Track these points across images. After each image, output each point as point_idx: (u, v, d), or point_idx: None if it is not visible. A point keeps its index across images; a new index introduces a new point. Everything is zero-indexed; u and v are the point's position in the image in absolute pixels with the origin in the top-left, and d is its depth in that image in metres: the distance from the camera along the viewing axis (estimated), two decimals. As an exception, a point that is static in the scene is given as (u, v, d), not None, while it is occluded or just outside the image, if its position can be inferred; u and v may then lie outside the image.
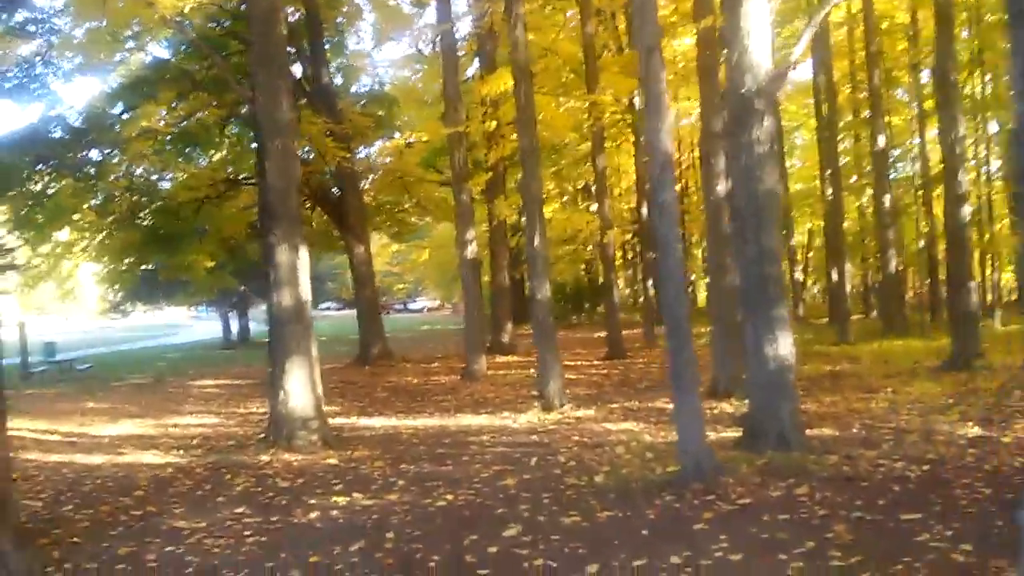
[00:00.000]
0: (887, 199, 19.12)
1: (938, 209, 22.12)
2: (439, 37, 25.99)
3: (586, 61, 17.78)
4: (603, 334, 28.58)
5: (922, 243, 22.72)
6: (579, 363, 17.92)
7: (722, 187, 11.93)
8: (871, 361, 14.62)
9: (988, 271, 25.20)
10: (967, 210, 13.37)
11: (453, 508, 6.62)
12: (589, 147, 24.87)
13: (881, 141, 18.89)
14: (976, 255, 22.54)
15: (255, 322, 40.98)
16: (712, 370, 12.02)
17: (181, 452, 9.97)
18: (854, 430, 8.56)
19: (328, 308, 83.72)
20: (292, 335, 9.63)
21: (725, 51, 8.82)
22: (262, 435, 10.29)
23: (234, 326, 37.94)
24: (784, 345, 7.74)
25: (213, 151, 24.15)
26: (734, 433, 8.76)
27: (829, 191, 20.72)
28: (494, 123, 16.44)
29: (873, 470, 6.85)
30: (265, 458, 9.12)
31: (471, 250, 16.17)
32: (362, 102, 24.12)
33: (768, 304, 7.79)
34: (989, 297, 24.00)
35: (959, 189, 12.85)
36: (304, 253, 9.94)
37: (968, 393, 10.62)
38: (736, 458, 7.42)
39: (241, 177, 22.26)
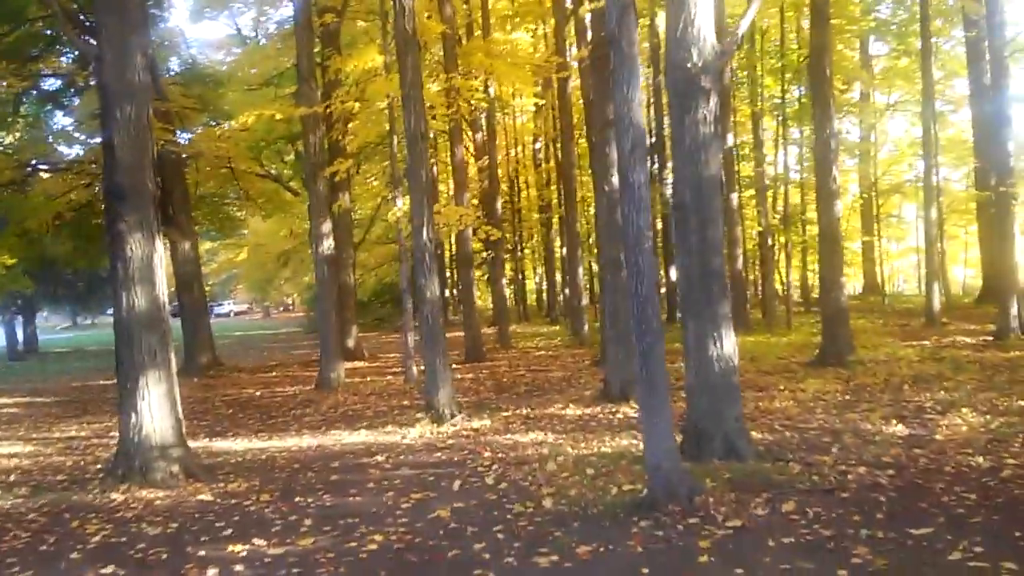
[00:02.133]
0: (733, 197, 19.51)
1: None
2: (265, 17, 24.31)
3: (444, 45, 16.73)
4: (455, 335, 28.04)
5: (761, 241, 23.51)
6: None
7: (616, 178, 11.34)
8: (744, 357, 14.58)
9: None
10: (839, 207, 13.64)
11: (391, 552, 5.45)
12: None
13: (728, 139, 19.26)
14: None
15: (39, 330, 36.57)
16: (605, 372, 11.41)
17: (-2, 493, 8.01)
18: (787, 434, 8.14)
19: (105, 313, 77.07)
20: (147, 345, 7.94)
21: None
22: (104, 467, 8.51)
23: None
24: (728, 344, 7.18)
25: (4, 132, 20.89)
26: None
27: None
28: (356, 104, 15.03)
29: (841, 478, 6.37)
30: (117, 496, 7.42)
31: (327, 245, 14.67)
32: (178, 81, 21.69)
33: (711, 300, 7.19)
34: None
35: (831, 186, 13.05)
36: (159, 244, 8.27)
37: (859, 388, 10.65)
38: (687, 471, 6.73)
39: (35, 163, 19.42)
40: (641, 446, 7.82)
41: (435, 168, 23.11)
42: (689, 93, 7.17)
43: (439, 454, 8.58)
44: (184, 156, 19.26)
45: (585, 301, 21.34)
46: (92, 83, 18.79)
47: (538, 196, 33.13)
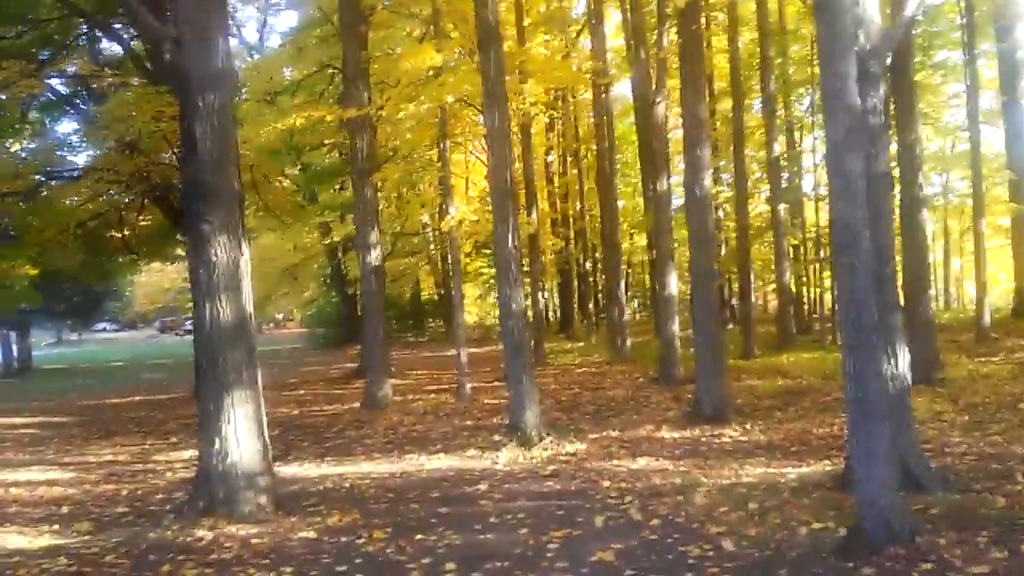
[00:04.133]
0: (781, 209, 18.85)
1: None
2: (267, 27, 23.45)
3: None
4: (453, 352, 27.14)
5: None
6: (480, 383, 15.91)
7: (707, 182, 10.63)
8: (812, 375, 13.85)
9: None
10: (924, 216, 12.95)
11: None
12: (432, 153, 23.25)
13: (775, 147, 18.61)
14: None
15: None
16: (695, 391, 10.62)
17: (58, 529, 7.08)
18: (944, 459, 7.35)
19: (104, 329, 75.40)
20: (232, 361, 7.07)
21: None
22: (179, 498, 7.61)
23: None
24: (902, 362, 6.38)
25: (11, 140, 19.89)
26: (792, 467, 7.37)
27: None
28: (410, 106, 14.21)
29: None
30: (203, 533, 6.51)
31: (375, 255, 13.80)
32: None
33: (881, 312, 6.40)
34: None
35: (917, 194, 12.37)
36: (247, 248, 7.42)
37: (972, 408, 9.90)
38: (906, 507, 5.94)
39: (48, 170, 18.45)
40: (791, 474, 7.15)
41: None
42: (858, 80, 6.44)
43: (550, 483, 7.73)
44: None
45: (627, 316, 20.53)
46: (112, 84, 18.11)
47: (551, 209, 32.39)
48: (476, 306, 48.18)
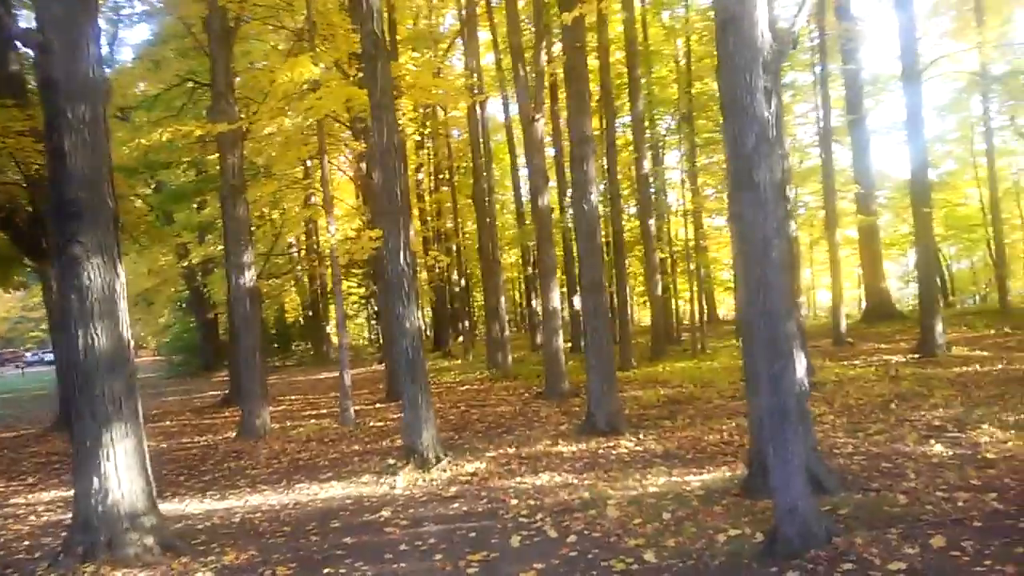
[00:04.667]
0: (652, 223, 19.42)
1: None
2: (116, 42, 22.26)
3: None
4: (325, 376, 26.38)
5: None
6: (362, 406, 15.47)
7: (595, 195, 10.76)
8: (691, 383, 14.26)
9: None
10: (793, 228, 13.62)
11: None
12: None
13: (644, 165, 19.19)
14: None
15: None
16: (588, 404, 10.67)
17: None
18: (835, 461, 7.65)
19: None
20: (110, 391, 6.50)
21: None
22: (54, 544, 6.93)
23: None
24: (800, 367, 6.60)
25: None
26: (693, 474, 7.51)
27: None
28: (286, 121, 13.61)
29: (950, 506, 5.90)
30: (86, 583, 5.92)
31: (249, 276, 13.16)
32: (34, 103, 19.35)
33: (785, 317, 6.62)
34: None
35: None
36: (122, 271, 6.86)
37: (847, 410, 10.41)
38: (769, 508, 6.10)
39: None
40: (694, 482, 7.26)
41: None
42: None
43: (455, 504, 7.52)
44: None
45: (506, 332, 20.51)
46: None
47: (423, 227, 32.15)
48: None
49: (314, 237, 32.00)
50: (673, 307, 25.05)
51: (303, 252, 34.34)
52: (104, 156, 6.86)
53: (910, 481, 6.64)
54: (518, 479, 8.32)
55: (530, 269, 27.99)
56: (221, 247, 31.26)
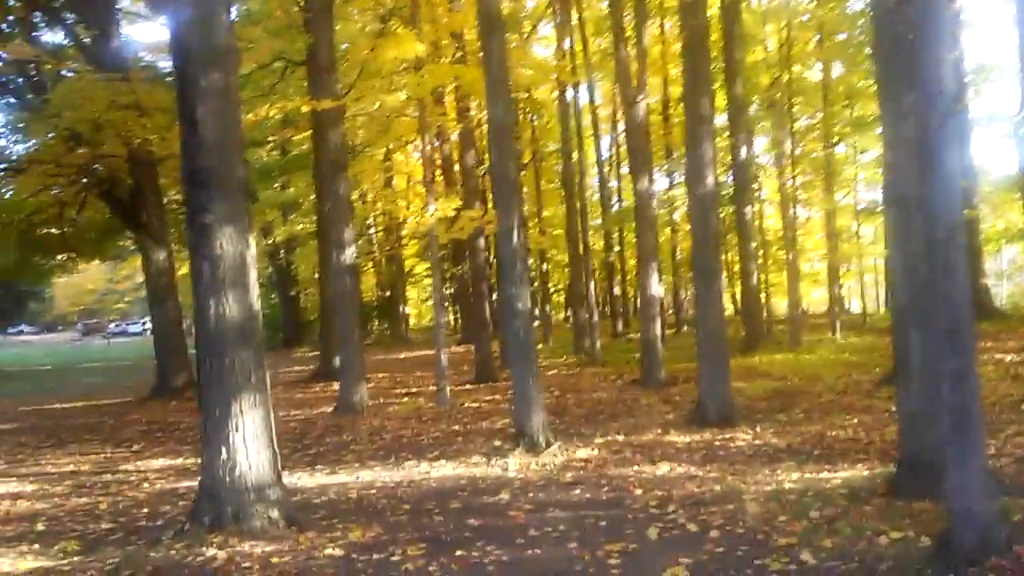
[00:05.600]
0: (748, 211, 18.82)
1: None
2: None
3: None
4: (405, 355, 26.50)
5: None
6: (451, 387, 15.32)
7: (710, 178, 10.36)
8: (796, 377, 13.75)
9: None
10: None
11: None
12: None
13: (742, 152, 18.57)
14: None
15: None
16: (700, 394, 10.32)
17: (40, 549, 6.34)
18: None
19: (21, 331, 71.68)
20: (240, 362, 6.44)
21: None
22: (172, 512, 6.94)
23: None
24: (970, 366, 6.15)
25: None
26: (827, 471, 7.11)
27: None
28: (387, 98, 13.54)
29: None
30: (215, 553, 5.86)
31: (349, 253, 13.13)
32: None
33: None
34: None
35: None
36: (252, 241, 6.79)
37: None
38: (928, 510, 5.70)
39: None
40: (834, 480, 6.88)
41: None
42: (905, 70, 6.22)
43: (576, 491, 7.28)
44: (159, 158, 17.32)
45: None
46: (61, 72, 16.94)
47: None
48: (419, 309, 47.55)
49: (394, 218, 32.18)
50: (764, 299, 24.36)
51: (380, 233, 34.57)
52: (235, 125, 6.80)
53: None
54: (636, 468, 8.04)
55: (612, 254, 27.53)
56: (302, 226, 31.96)
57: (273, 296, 36.83)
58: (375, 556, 5.71)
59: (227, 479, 6.33)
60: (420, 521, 6.60)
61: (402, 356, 27.20)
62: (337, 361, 18.45)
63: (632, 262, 32.93)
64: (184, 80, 6.63)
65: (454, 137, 20.98)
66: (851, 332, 21.82)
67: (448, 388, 13.29)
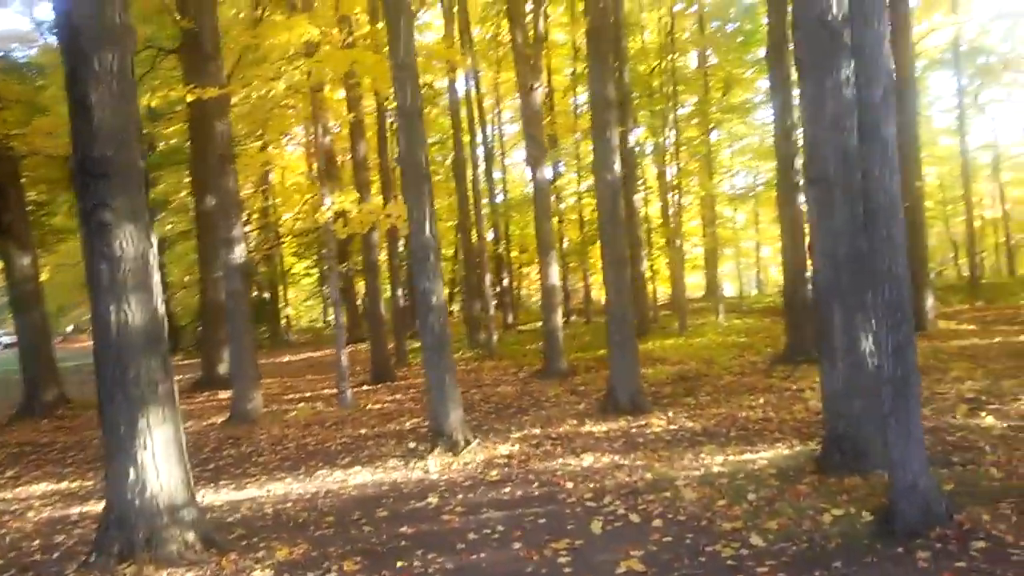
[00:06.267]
0: (637, 200, 19.11)
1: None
2: None
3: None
4: (289, 359, 25.66)
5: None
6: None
7: (617, 164, 10.37)
8: (692, 361, 14.06)
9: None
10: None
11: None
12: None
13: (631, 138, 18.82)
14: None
15: None
16: (610, 382, 10.33)
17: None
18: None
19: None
20: (146, 372, 5.90)
21: None
22: (68, 543, 6.33)
23: None
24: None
25: None
26: (750, 452, 7.24)
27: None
28: (280, 85, 12.78)
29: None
30: (130, 584, 5.35)
31: (239, 252, 12.38)
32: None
33: (863, 288, 6.34)
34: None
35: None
36: (155, 239, 6.24)
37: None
38: (860, 485, 5.87)
39: None
40: (760, 461, 6.99)
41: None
42: (828, 51, 6.38)
43: (506, 489, 7.10)
44: (20, 155, 15.97)
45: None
46: None
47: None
48: (297, 310, 46.08)
49: (271, 215, 31.08)
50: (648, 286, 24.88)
51: (257, 231, 33.24)
52: (133, 111, 6.24)
53: (990, 454, 6.45)
54: (560, 460, 7.94)
55: (500, 246, 27.47)
56: (171, 225, 30.31)
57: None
58: (308, 575, 5.35)
59: (136, 501, 5.79)
60: (348, 533, 6.26)
61: (286, 359, 26.32)
62: (222, 368, 17.66)
63: (516, 253, 33.27)
64: (75, 61, 5.97)
65: (334, 128, 20.40)
66: (732, 315, 22.55)
67: (349, 391, 12.82)
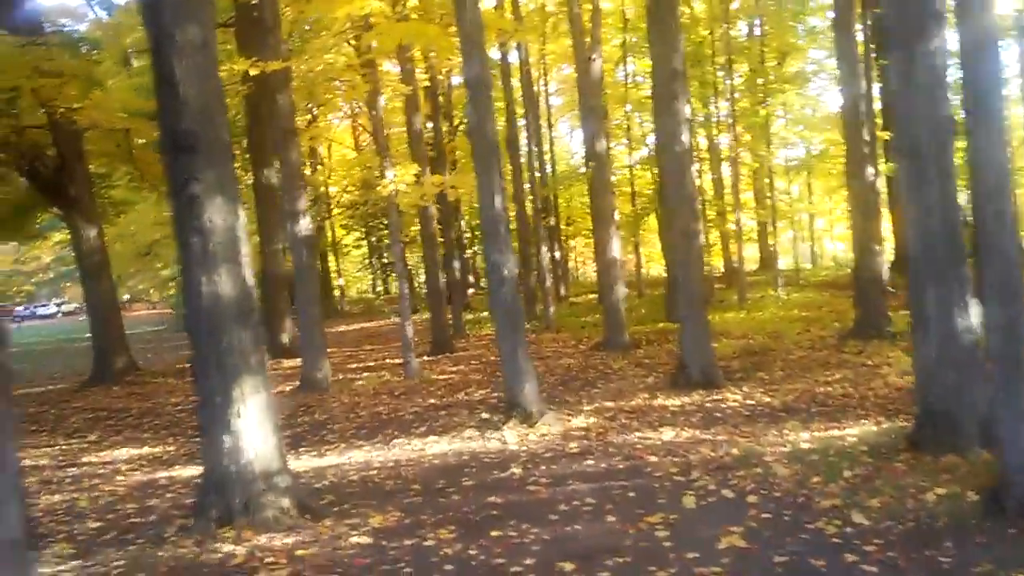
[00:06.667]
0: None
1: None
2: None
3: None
4: (343, 328, 25.95)
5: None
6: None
7: (685, 136, 10.20)
8: (758, 335, 13.89)
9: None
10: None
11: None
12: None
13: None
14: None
15: None
16: (682, 356, 10.24)
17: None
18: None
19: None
20: (238, 342, 5.98)
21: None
22: (161, 507, 6.49)
23: None
24: (975, 313, 6.18)
25: None
26: (836, 429, 7.13)
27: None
28: (343, 58, 12.77)
29: None
30: (233, 548, 5.45)
31: (304, 224, 12.51)
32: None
33: (956, 261, 6.17)
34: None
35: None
36: (242, 212, 6.29)
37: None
38: (959, 464, 5.74)
39: None
40: (849, 437, 6.89)
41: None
42: (920, 20, 6.15)
43: (589, 462, 7.10)
44: (82, 128, 16.22)
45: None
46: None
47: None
48: (347, 281, 46.56)
49: (320, 188, 31.29)
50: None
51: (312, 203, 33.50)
52: (217, 85, 6.28)
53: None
54: (638, 434, 7.91)
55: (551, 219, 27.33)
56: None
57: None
58: (406, 542, 5.40)
59: (233, 468, 5.90)
60: (437, 502, 6.31)
61: (341, 329, 26.58)
62: (284, 337, 17.94)
63: (563, 226, 33.08)
64: (159, 36, 6.03)
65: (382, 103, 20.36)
66: (790, 288, 22.24)
67: (414, 361, 12.91)
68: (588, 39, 14.37)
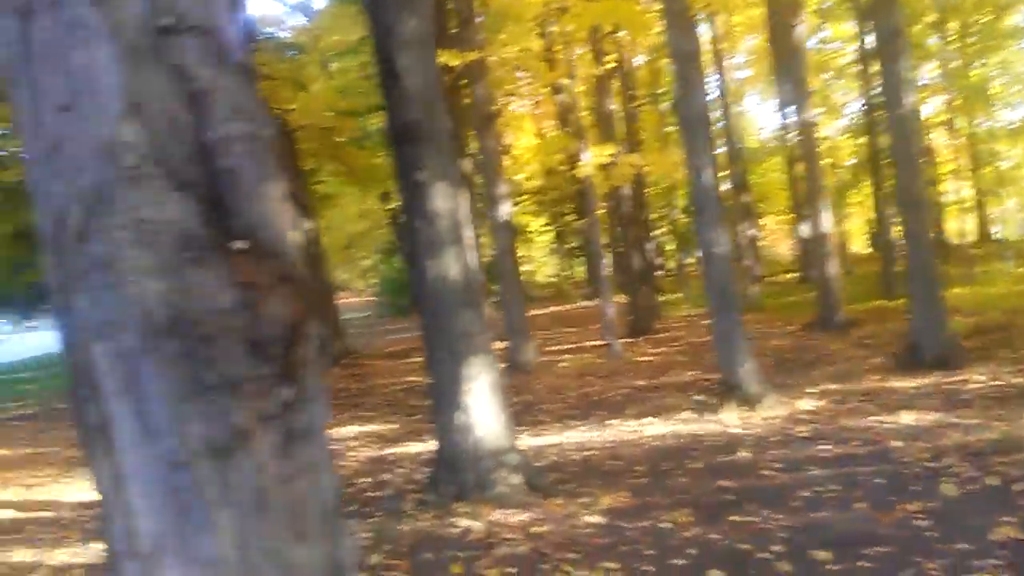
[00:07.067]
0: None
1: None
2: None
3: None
4: (536, 312, 26.21)
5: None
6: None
7: (911, 96, 9.43)
8: (991, 310, 12.65)
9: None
10: None
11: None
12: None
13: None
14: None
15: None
16: (912, 334, 9.50)
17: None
18: None
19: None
20: (466, 323, 6.12)
21: None
22: (393, 481, 6.79)
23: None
24: None
25: None
26: None
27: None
28: (534, 46, 12.89)
29: None
30: (470, 523, 5.58)
31: (504, 210, 12.74)
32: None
33: None
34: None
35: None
36: (464, 197, 6.43)
37: None
38: None
39: None
40: None
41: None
42: None
43: (824, 446, 6.69)
44: (293, 128, 17.34)
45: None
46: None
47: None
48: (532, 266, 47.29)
49: (508, 173, 31.76)
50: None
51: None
52: (436, 76, 6.43)
53: None
54: (873, 418, 7.38)
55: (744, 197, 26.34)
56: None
57: (394, 262, 37.14)
58: (641, 523, 5.32)
59: (464, 446, 6.07)
60: (665, 484, 6.18)
61: (532, 313, 26.92)
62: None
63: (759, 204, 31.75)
64: (380, 28, 6.26)
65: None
66: (1020, 261, 20.19)
67: (617, 343, 12.83)
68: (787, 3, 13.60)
